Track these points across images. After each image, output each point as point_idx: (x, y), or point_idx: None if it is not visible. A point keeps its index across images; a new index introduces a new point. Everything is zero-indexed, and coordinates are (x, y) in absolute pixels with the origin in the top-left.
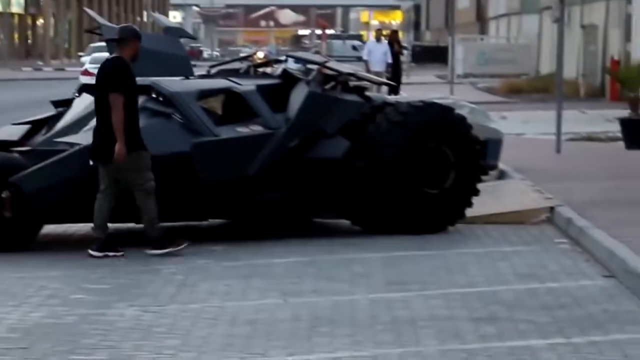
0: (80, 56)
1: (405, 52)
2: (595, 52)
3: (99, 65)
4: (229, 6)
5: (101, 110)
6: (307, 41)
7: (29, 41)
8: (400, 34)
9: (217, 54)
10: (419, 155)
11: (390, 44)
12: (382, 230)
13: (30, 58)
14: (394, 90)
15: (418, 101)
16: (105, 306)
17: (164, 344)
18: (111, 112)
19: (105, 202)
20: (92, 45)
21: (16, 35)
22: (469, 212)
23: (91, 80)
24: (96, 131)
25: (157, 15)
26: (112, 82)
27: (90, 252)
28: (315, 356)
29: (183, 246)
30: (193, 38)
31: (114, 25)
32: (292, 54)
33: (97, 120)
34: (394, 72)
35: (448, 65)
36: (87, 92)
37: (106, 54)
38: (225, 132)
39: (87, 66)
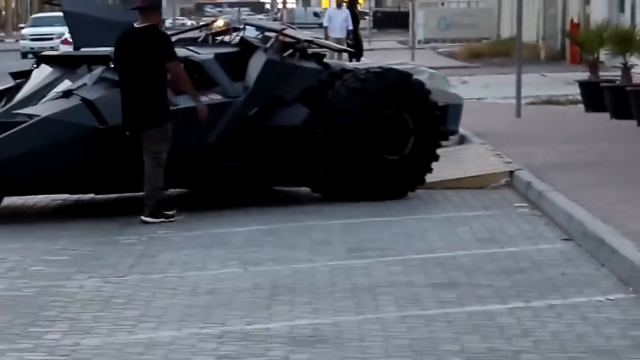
0: (21, 28)
1: (366, 17)
2: (555, 15)
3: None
4: None
5: (136, 79)
6: (210, 9)
7: None
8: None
9: (193, 22)
10: (377, 122)
11: (351, 9)
12: (342, 198)
13: None
14: (356, 56)
15: (376, 67)
16: (65, 278)
17: (124, 314)
18: (177, 79)
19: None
20: (33, 16)
21: None
22: (429, 178)
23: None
24: (129, 102)
25: None
26: (167, 51)
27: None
28: (274, 324)
29: (175, 216)
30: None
31: None
32: (251, 21)
33: (128, 91)
34: (355, 38)
35: (409, 30)
36: (46, 64)
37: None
38: (184, 101)
39: (67, 36)
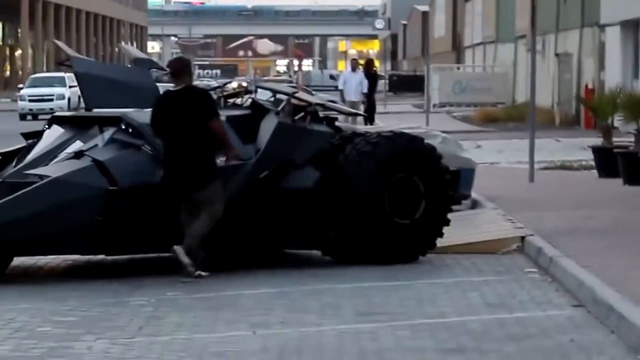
0: (20, 88)
1: (381, 81)
2: (570, 81)
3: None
4: (207, 36)
5: (182, 142)
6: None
7: (7, 72)
8: (377, 63)
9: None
10: (388, 186)
11: (370, 73)
12: (352, 261)
13: (9, 89)
14: (369, 119)
15: (387, 131)
16: (73, 339)
17: None
18: (219, 135)
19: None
20: (32, 77)
21: None
22: (440, 242)
23: None
24: (176, 165)
25: (126, 46)
26: (209, 109)
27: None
28: None
29: (202, 274)
30: (162, 69)
31: (85, 57)
32: (262, 84)
33: (174, 155)
34: (369, 102)
35: (424, 94)
36: (58, 124)
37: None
38: None
39: None
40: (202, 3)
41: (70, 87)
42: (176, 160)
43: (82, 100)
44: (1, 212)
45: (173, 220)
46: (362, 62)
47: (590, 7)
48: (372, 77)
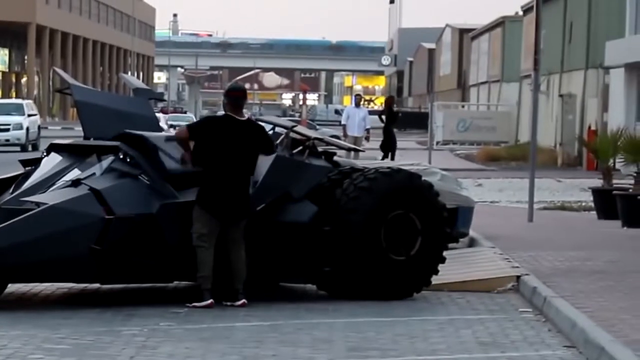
0: None
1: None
2: (573, 121)
3: None
4: (213, 68)
5: (240, 171)
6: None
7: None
8: (382, 100)
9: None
10: (385, 222)
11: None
12: (348, 296)
13: None
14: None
15: (385, 167)
16: None
17: None
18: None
19: (212, 254)
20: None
21: (0, 93)
22: (436, 279)
23: None
24: (230, 192)
25: (126, 76)
26: (270, 144)
27: (198, 304)
28: None
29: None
30: (161, 100)
31: (84, 86)
32: (261, 117)
33: (230, 182)
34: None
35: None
36: (56, 152)
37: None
38: (192, 194)
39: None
40: (210, 35)
41: (29, 115)
42: (232, 187)
43: (35, 134)
44: None
45: (168, 250)
46: (369, 97)
47: (594, 49)
48: (391, 113)
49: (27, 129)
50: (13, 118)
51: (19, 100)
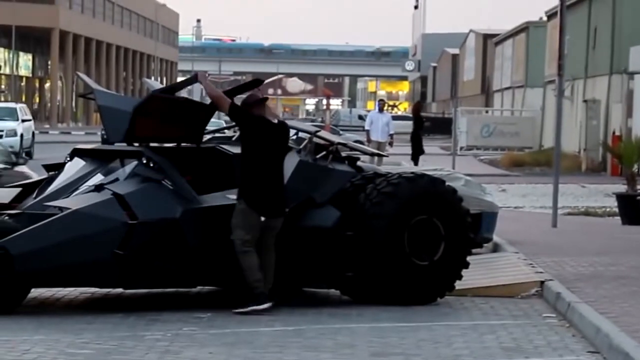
0: None
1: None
2: (598, 127)
3: None
4: (236, 73)
5: (279, 167)
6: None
7: (36, 104)
8: (406, 105)
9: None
10: (408, 227)
11: (416, 115)
12: (371, 301)
13: (37, 121)
14: (414, 160)
15: (409, 172)
16: None
17: None
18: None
19: (257, 258)
20: None
21: (23, 98)
22: (459, 285)
23: None
24: (271, 189)
25: (149, 81)
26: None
27: (259, 307)
28: None
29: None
30: None
31: (107, 91)
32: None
33: (271, 179)
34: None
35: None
36: (79, 157)
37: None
38: (215, 199)
39: None
40: (233, 40)
41: (24, 120)
42: (278, 184)
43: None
44: (20, 242)
45: (191, 255)
46: (392, 103)
47: (619, 55)
48: (419, 119)
49: (22, 135)
50: (6, 124)
51: (12, 104)
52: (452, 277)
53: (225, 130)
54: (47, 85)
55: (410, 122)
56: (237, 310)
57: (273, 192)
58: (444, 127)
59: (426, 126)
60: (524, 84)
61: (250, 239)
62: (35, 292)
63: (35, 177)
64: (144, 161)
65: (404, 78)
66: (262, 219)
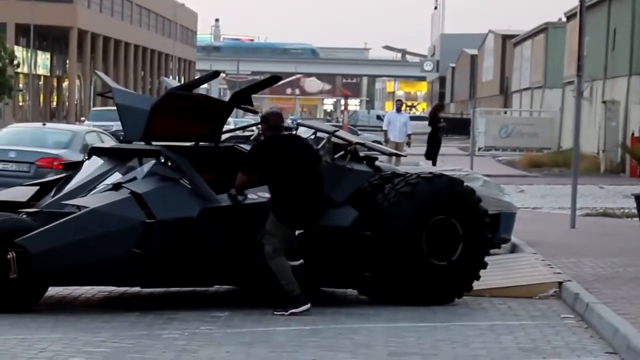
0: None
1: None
2: (616, 128)
3: None
4: (254, 73)
5: (314, 181)
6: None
7: (54, 103)
8: (424, 105)
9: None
10: (426, 227)
11: (434, 117)
12: (388, 301)
13: (55, 119)
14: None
15: (427, 172)
16: None
17: None
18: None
19: (286, 260)
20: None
21: (41, 97)
22: (477, 285)
23: None
24: (310, 201)
25: (167, 79)
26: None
27: (297, 310)
28: None
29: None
30: None
31: (126, 89)
32: (303, 122)
33: (310, 193)
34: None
35: (470, 137)
36: (97, 156)
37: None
38: (230, 200)
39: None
40: (252, 40)
41: None
42: (307, 199)
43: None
44: (37, 241)
45: (208, 254)
46: (410, 103)
47: (638, 55)
48: (438, 121)
49: None
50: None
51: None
52: (470, 277)
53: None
54: (65, 84)
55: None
56: (277, 312)
57: (303, 206)
58: (462, 127)
59: (442, 127)
60: (542, 84)
61: (282, 247)
62: (53, 291)
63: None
64: (162, 160)
65: (423, 78)
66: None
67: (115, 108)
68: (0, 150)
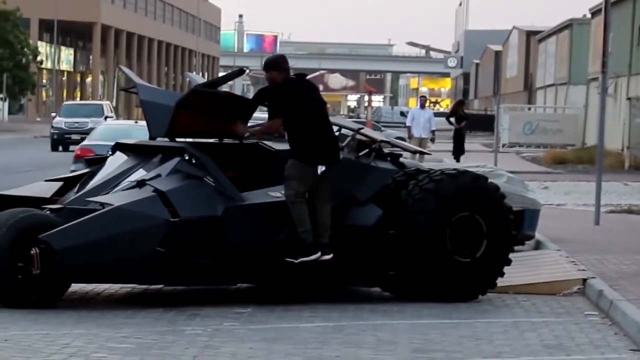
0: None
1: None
2: None
3: None
4: None
5: (328, 118)
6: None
7: (78, 98)
8: (448, 102)
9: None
10: (451, 224)
11: (456, 111)
12: (412, 297)
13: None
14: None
15: (451, 169)
16: None
17: None
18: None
19: (307, 209)
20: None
21: (65, 93)
22: (501, 282)
23: None
24: (331, 139)
25: (192, 75)
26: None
27: (307, 259)
28: None
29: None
30: None
31: (150, 85)
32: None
33: (330, 127)
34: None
35: (494, 134)
36: (121, 151)
37: None
38: (257, 197)
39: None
40: (275, 36)
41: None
42: (330, 134)
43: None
44: (61, 237)
45: (232, 252)
46: (434, 99)
47: None
48: (461, 117)
49: None
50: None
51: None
52: (493, 274)
53: None
54: (89, 79)
55: (452, 120)
56: (288, 259)
57: (327, 140)
58: (486, 124)
59: (463, 124)
60: (567, 81)
61: (304, 190)
62: (75, 287)
63: None
64: (186, 157)
65: (447, 75)
66: (319, 170)
67: (88, 102)
68: (100, 146)
